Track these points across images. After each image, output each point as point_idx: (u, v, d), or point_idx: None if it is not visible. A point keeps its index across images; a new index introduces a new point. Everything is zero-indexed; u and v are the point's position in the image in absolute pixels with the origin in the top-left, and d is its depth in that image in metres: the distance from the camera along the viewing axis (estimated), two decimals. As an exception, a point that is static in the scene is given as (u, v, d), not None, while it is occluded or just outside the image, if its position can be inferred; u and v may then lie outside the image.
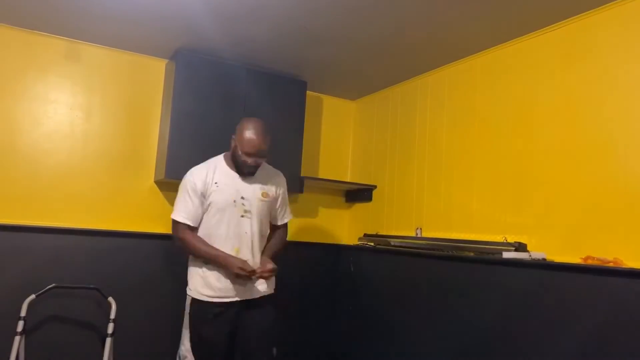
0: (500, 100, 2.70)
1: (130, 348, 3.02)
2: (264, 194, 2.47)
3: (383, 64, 3.19)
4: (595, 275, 2.03)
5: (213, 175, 2.39)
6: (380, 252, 3.33)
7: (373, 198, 3.66)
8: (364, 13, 2.49)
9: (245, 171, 2.40)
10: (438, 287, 2.82)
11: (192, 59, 3.13)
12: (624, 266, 1.98)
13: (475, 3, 2.30)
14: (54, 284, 2.81)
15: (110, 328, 2.82)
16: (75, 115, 3.13)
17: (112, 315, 2.84)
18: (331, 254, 3.78)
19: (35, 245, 2.91)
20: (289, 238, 3.68)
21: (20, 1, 2.63)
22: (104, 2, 2.58)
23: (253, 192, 2.44)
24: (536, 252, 2.32)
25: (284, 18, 2.62)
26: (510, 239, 2.46)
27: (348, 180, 3.95)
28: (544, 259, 2.27)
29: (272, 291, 2.50)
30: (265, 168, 2.54)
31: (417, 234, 3.14)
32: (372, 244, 3.49)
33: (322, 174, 3.84)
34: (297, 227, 3.73)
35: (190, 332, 2.40)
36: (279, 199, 2.59)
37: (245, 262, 2.32)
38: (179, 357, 2.48)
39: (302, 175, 3.43)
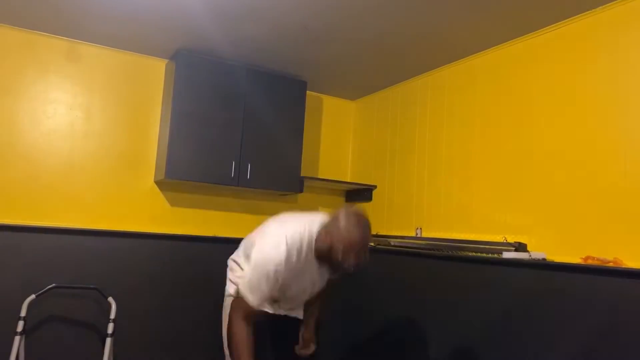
0: (500, 100, 2.70)
1: (130, 348, 3.02)
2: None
3: (383, 64, 3.19)
4: (595, 275, 2.03)
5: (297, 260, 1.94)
6: (380, 252, 3.33)
7: (373, 198, 3.66)
8: (364, 13, 2.49)
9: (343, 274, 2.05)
10: (438, 287, 2.81)
11: (192, 59, 3.13)
12: (624, 266, 1.98)
13: (475, 3, 2.30)
14: (54, 284, 2.81)
15: (110, 328, 2.82)
16: (75, 115, 3.13)
17: (112, 315, 2.84)
18: (331, 254, 3.77)
19: (35, 245, 2.91)
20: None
21: (20, 1, 2.63)
22: (104, 2, 2.57)
23: (322, 276, 2.11)
24: (536, 252, 2.32)
25: (284, 18, 2.62)
26: (510, 239, 2.46)
27: (348, 180, 3.95)
28: (544, 259, 2.27)
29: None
30: None
31: (417, 234, 3.14)
32: (372, 244, 3.49)
33: (322, 174, 3.84)
34: (297, 227, 3.73)
35: None
36: None
37: None
38: None
39: (302, 175, 3.43)
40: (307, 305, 2.21)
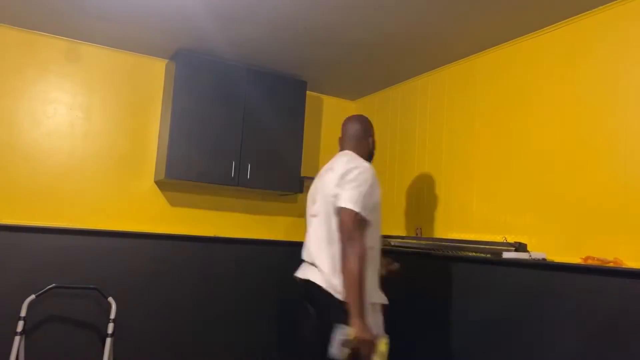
0: (500, 101, 2.70)
1: (130, 348, 3.02)
2: None
3: (383, 64, 3.19)
4: (595, 275, 2.03)
5: None
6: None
7: (373, 198, 3.65)
8: (364, 13, 2.49)
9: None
10: (438, 287, 2.81)
11: (192, 59, 3.13)
12: (624, 266, 1.97)
13: (475, 3, 2.30)
14: (54, 284, 2.81)
15: (110, 328, 2.82)
16: (75, 115, 3.13)
17: (112, 315, 2.84)
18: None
19: (35, 245, 2.91)
20: (287, 238, 3.70)
21: (20, 1, 2.63)
22: (104, 3, 2.57)
23: None
24: (536, 252, 2.32)
25: (284, 18, 2.62)
26: (510, 239, 2.46)
27: (348, 180, 3.94)
28: (544, 259, 2.27)
29: None
30: None
31: (417, 234, 3.14)
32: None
33: (322, 174, 3.84)
34: (297, 227, 3.73)
35: None
36: None
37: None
38: None
39: (302, 175, 3.43)
40: None
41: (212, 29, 2.80)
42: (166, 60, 3.36)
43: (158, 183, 3.29)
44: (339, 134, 2.46)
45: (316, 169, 3.88)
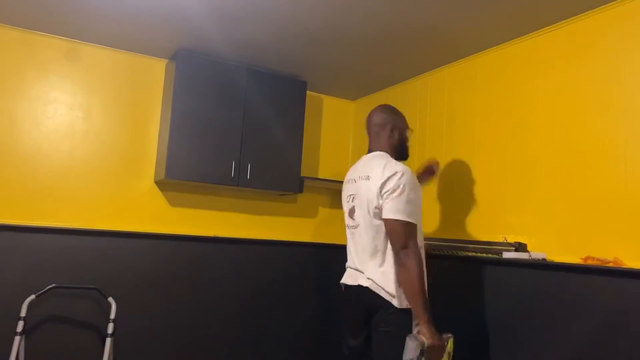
0: (500, 100, 2.70)
1: (130, 348, 3.02)
2: None
3: (383, 64, 3.19)
4: (595, 275, 2.03)
5: None
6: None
7: (373, 198, 3.65)
8: (364, 13, 2.49)
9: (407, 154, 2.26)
10: (438, 287, 2.80)
11: (192, 59, 3.13)
12: (624, 266, 1.97)
13: (475, 3, 2.30)
14: (54, 284, 2.81)
15: (110, 328, 2.82)
16: (75, 115, 3.13)
17: (112, 315, 2.84)
18: (331, 254, 3.77)
19: (35, 245, 2.91)
20: (287, 238, 3.71)
21: (20, 1, 2.63)
22: (104, 2, 2.57)
23: None
24: (536, 252, 2.32)
25: (284, 18, 2.62)
26: (510, 239, 2.46)
27: (348, 180, 3.94)
28: (544, 259, 2.27)
29: None
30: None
31: (417, 234, 3.14)
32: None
33: (322, 174, 3.84)
34: (296, 227, 3.73)
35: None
36: None
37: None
38: None
39: (302, 175, 3.43)
40: None
41: (213, 29, 2.80)
42: (166, 60, 3.36)
43: (158, 183, 3.29)
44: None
45: (316, 169, 3.90)
